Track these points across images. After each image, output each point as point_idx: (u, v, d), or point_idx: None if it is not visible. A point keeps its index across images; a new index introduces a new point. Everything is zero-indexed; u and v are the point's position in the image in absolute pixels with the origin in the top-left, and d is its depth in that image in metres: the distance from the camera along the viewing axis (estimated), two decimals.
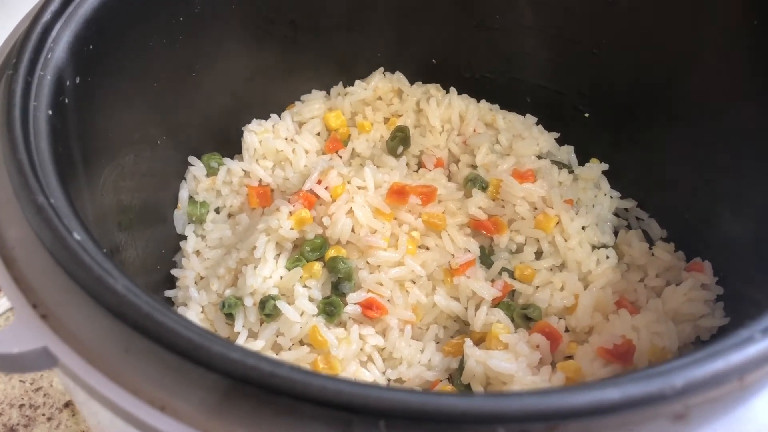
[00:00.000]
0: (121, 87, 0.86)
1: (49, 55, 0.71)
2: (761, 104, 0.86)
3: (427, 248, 0.97)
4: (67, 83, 0.73)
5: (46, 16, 0.72)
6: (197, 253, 1.04)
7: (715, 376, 0.47)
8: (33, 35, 0.71)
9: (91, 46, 0.77)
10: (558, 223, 0.98)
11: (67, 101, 0.72)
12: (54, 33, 0.73)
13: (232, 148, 1.12)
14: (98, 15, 0.77)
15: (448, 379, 0.91)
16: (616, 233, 1.06)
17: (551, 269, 0.98)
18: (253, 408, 0.48)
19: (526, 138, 1.10)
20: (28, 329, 0.53)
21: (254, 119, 1.14)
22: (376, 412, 0.45)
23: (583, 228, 0.99)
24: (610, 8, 1.01)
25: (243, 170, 1.09)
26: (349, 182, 0.98)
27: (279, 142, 1.09)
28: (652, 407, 0.46)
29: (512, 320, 0.92)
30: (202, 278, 1.01)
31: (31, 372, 0.54)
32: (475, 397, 0.46)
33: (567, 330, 0.92)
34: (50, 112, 0.68)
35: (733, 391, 0.48)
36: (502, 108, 1.16)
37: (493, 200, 1.00)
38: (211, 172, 1.08)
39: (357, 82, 1.17)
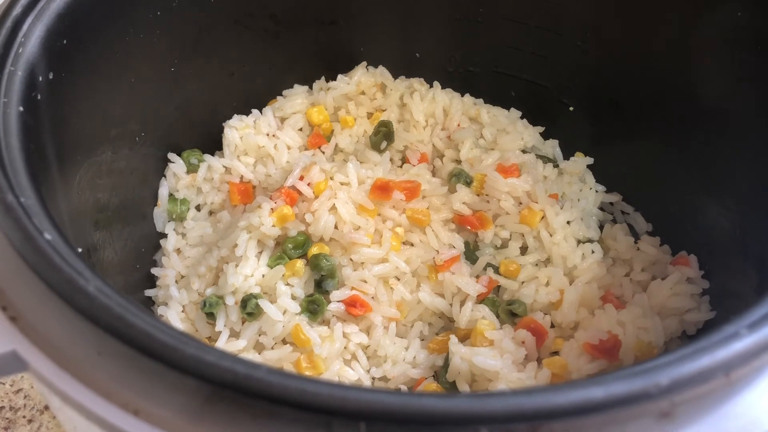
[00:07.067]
0: (98, 83, 0.85)
1: (20, 50, 0.70)
2: (746, 97, 0.86)
3: (412, 244, 0.97)
4: (40, 79, 0.71)
5: (17, 9, 0.71)
6: (178, 251, 1.02)
7: (701, 372, 0.46)
8: (2, 30, 0.69)
9: (64, 41, 0.76)
10: (543, 217, 0.97)
11: (39, 97, 0.71)
12: (25, 27, 0.71)
13: (213, 144, 1.11)
14: (72, 9, 0.76)
15: (433, 376, 0.90)
16: (601, 227, 1.06)
17: (536, 264, 0.97)
18: (231, 412, 0.46)
19: (511, 132, 1.09)
20: None
21: (235, 115, 1.12)
22: (356, 414, 0.44)
23: (568, 222, 0.99)
24: (594, 0, 1.00)
25: (224, 167, 1.07)
26: (332, 178, 0.97)
27: (260, 138, 1.08)
28: (637, 406, 0.45)
29: (497, 316, 0.92)
30: (182, 277, 1.00)
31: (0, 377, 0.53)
32: (457, 397, 0.45)
33: (552, 326, 0.91)
34: (21, 109, 0.67)
35: (720, 387, 0.47)
36: (486, 102, 1.16)
37: (478, 195, 1.00)
38: (192, 169, 1.07)
39: (339, 76, 1.16)
